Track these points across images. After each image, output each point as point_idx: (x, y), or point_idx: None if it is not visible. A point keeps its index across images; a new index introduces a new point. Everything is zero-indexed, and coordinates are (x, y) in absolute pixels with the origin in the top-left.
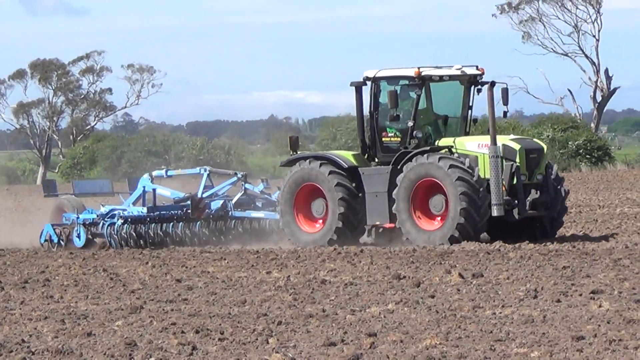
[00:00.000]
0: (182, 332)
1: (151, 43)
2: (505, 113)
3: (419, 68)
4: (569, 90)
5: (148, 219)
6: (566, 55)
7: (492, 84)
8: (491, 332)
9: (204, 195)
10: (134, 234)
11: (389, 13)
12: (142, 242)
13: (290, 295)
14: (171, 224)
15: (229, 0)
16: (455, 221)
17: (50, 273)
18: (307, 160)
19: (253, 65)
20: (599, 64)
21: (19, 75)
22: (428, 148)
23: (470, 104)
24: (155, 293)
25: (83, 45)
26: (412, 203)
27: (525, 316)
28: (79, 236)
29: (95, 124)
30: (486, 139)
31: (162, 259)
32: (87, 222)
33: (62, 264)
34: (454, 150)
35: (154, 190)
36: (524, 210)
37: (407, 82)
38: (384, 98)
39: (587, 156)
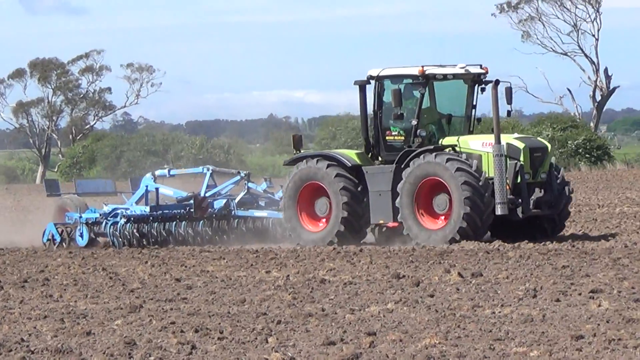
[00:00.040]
0: (182, 331)
1: (150, 42)
2: (509, 112)
3: (423, 67)
4: (569, 90)
5: (151, 218)
6: (565, 54)
7: (497, 82)
8: (490, 331)
9: (207, 195)
10: (136, 233)
11: (388, 12)
12: (144, 241)
13: (289, 294)
14: (174, 223)
15: (228, 0)
16: (457, 225)
17: (50, 272)
18: (311, 159)
19: (252, 64)
20: (598, 63)
21: (19, 74)
22: (432, 147)
23: (474, 103)
24: (155, 292)
25: (82, 44)
26: (416, 201)
27: (524, 315)
28: (81, 235)
29: (95, 123)
30: (490, 138)
31: (161, 258)
32: (90, 221)
33: (62, 263)
34: (457, 149)
35: (157, 189)
36: (528, 209)
37: (411, 80)
38: (387, 97)
39: (587, 155)
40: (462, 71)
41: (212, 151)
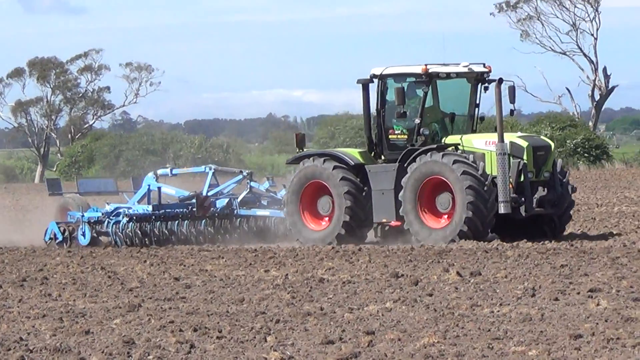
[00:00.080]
0: (180, 330)
1: (149, 41)
2: (512, 111)
3: (426, 65)
4: (567, 89)
5: (153, 217)
6: (564, 53)
7: (500, 81)
8: (489, 330)
9: (209, 194)
10: (139, 232)
11: (388, 12)
12: (147, 240)
13: (288, 293)
14: (176, 222)
15: None
16: (458, 227)
17: (49, 271)
18: (314, 158)
19: (251, 63)
20: (597, 63)
21: (17, 73)
22: (435, 146)
23: (477, 102)
24: (153, 291)
25: (81, 43)
26: (419, 198)
27: (523, 314)
28: (84, 234)
29: (94, 123)
30: (493, 137)
31: (160, 258)
32: (92, 220)
33: (60, 262)
34: (460, 147)
35: (159, 188)
36: (531, 207)
37: (414, 79)
38: (390, 95)
39: (585, 155)
40: (466, 70)
41: (211, 150)
